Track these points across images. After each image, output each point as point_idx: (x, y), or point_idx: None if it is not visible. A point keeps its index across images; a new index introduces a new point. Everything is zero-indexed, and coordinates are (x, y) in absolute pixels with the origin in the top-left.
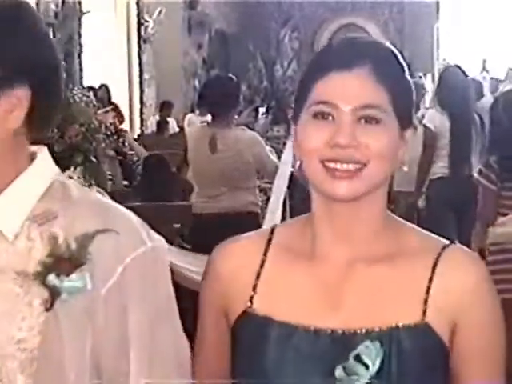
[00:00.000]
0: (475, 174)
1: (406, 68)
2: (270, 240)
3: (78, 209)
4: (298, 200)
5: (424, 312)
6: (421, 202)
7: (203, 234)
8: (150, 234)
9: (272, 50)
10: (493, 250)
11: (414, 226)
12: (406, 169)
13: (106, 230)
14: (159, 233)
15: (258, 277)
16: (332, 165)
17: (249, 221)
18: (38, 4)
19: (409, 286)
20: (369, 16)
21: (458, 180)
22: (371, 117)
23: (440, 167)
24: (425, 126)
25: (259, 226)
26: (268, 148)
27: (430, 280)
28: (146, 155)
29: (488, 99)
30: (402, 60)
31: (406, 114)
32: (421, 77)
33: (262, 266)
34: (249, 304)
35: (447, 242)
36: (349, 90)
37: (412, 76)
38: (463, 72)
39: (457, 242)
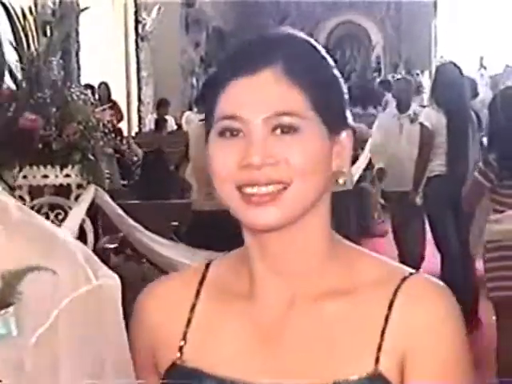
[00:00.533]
0: (475, 173)
1: (329, 61)
2: (203, 278)
3: (15, 235)
4: None
5: (377, 360)
6: (418, 200)
7: (202, 231)
8: (100, 269)
9: None
10: (489, 247)
11: (370, 253)
12: (341, 181)
13: (40, 267)
14: (157, 230)
15: (188, 323)
16: (249, 190)
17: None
18: (35, 2)
19: (361, 328)
20: (366, 14)
21: (455, 177)
22: (288, 126)
23: (437, 165)
24: (421, 124)
25: None
26: None
27: (386, 320)
28: (145, 151)
29: (485, 96)
30: (323, 52)
31: (334, 115)
32: (418, 74)
33: (192, 310)
34: (178, 355)
35: (409, 270)
36: (256, 97)
37: (409, 73)
38: (459, 69)
39: (421, 271)
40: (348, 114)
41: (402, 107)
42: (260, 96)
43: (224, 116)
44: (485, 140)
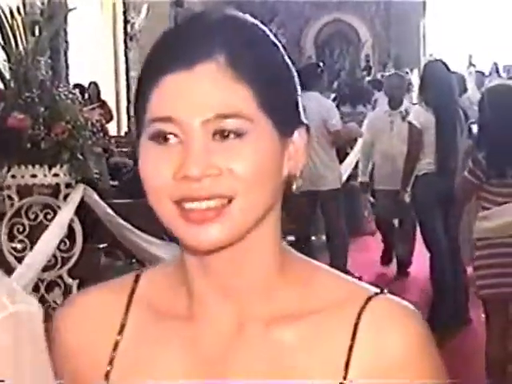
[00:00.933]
0: (465, 171)
1: (280, 49)
2: (133, 293)
3: None
4: (285, 195)
5: None
6: (406, 198)
7: None
8: (17, 295)
9: None
10: (479, 245)
11: (329, 270)
12: (295, 187)
13: None
14: (148, 229)
15: (115, 347)
16: (188, 205)
17: None
18: (23, 2)
19: (322, 356)
20: (355, 13)
21: (444, 176)
22: (232, 130)
23: (426, 164)
24: (410, 122)
25: None
26: None
27: (351, 347)
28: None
29: (473, 94)
30: (273, 38)
31: (286, 114)
32: (407, 72)
33: (121, 331)
34: (104, 383)
35: (374, 290)
36: (194, 95)
37: (399, 71)
38: (446, 66)
39: (386, 291)
40: (301, 109)
41: (394, 104)
42: (199, 94)
43: (156, 117)
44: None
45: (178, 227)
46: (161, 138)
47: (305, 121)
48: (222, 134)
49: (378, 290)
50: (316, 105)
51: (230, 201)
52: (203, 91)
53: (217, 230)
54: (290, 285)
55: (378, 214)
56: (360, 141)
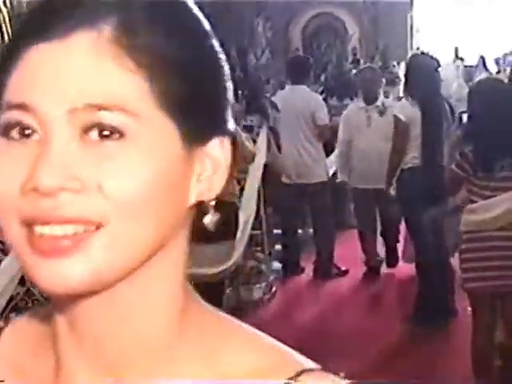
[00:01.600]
0: (453, 165)
1: (212, 41)
2: None
3: None
4: (272, 189)
5: None
6: (392, 191)
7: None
8: None
9: (245, 39)
10: (466, 238)
11: (248, 329)
12: (207, 220)
13: None
14: None
15: None
16: (38, 229)
17: (226, 210)
18: None
19: None
20: (342, 6)
21: (429, 169)
22: (105, 127)
23: (411, 157)
24: (395, 116)
25: (236, 215)
26: (244, 135)
27: None
28: None
29: (459, 88)
30: (206, 27)
31: (200, 117)
32: (394, 65)
33: None
34: None
35: (305, 363)
36: (60, 76)
37: (386, 65)
38: (432, 59)
39: (314, 368)
40: (229, 116)
41: (369, 98)
42: (66, 74)
43: (10, 103)
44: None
45: (23, 258)
46: (15, 132)
47: (232, 129)
48: (96, 133)
49: (314, 366)
50: (304, 98)
51: (97, 228)
52: (73, 70)
53: (73, 269)
54: (192, 343)
55: (358, 214)
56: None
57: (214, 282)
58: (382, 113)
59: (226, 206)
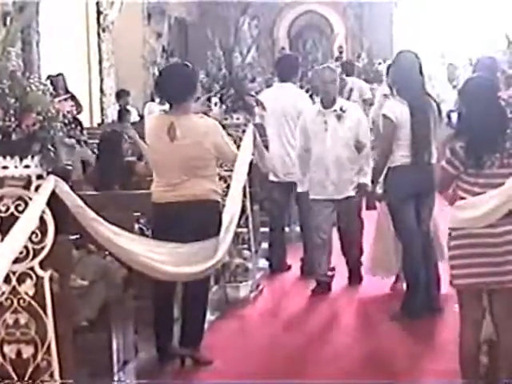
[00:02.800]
0: (443, 161)
1: None
2: None
3: None
4: (258, 187)
5: None
6: (378, 189)
7: (163, 223)
8: None
9: (231, 37)
10: (454, 235)
11: None
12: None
13: None
14: (117, 221)
15: None
16: None
17: (210, 209)
18: None
19: None
20: (328, 3)
21: (418, 168)
22: None
23: (400, 156)
24: (384, 115)
25: (220, 213)
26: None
27: None
28: (101, 139)
29: (444, 87)
30: None
31: None
32: (380, 63)
33: None
34: None
35: None
36: None
37: (372, 63)
38: (416, 56)
39: None
40: None
41: (327, 102)
42: None
43: None
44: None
45: None
46: None
47: None
48: None
49: None
50: (291, 96)
51: None
52: None
53: None
54: None
55: (316, 227)
56: None
57: (200, 280)
58: (339, 117)
59: (209, 205)
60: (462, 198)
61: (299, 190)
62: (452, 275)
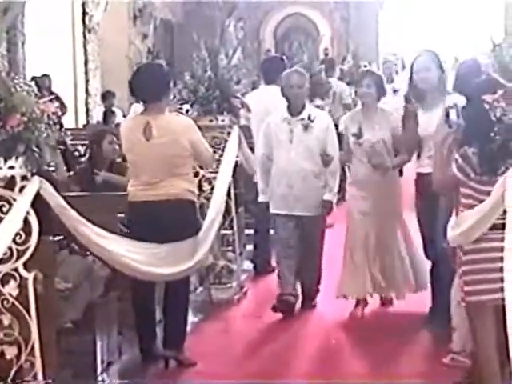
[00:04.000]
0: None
1: None
2: None
3: None
4: (243, 188)
5: None
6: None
7: (139, 222)
8: None
9: (216, 39)
10: (466, 249)
11: None
12: None
13: None
14: (100, 222)
15: None
16: None
17: (184, 208)
18: None
19: None
20: (314, 6)
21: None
22: None
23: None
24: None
25: (195, 214)
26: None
27: None
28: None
29: None
30: None
31: None
32: (366, 66)
33: None
34: None
35: None
36: None
37: (357, 65)
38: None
39: None
40: None
41: (293, 109)
42: None
43: None
44: None
45: None
46: None
47: None
48: None
49: None
50: (276, 98)
51: None
52: None
53: None
54: None
55: (281, 242)
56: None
57: (180, 281)
58: (306, 127)
59: (184, 205)
60: (464, 205)
61: (260, 199)
62: (465, 292)
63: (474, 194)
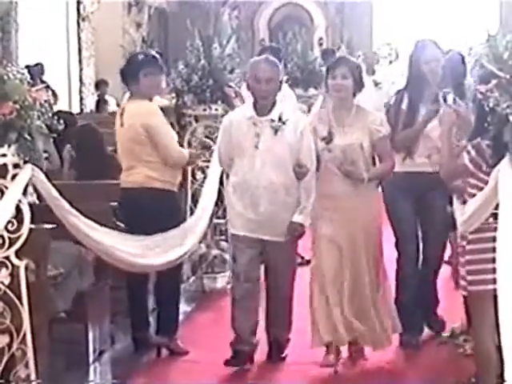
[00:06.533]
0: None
1: None
2: None
3: None
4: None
5: None
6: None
7: (125, 207)
8: None
9: (210, 28)
10: (470, 238)
11: None
12: None
13: None
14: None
15: None
16: None
17: (154, 197)
18: None
19: None
20: None
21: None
22: None
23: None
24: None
25: (168, 203)
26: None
27: None
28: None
29: None
30: None
31: None
32: (360, 55)
33: None
34: None
35: None
36: None
37: (351, 55)
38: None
39: None
40: None
41: (260, 107)
42: None
43: None
44: None
45: None
46: None
47: None
48: None
49: None
50: None
51: None
52: None
53: None
54: None
55: (238, 274)
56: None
57: (171, 270)
58: (276, 130)
59: (153, 193)
60: (469, 194)
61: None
62: (468, 281)
63: (480, 185)
